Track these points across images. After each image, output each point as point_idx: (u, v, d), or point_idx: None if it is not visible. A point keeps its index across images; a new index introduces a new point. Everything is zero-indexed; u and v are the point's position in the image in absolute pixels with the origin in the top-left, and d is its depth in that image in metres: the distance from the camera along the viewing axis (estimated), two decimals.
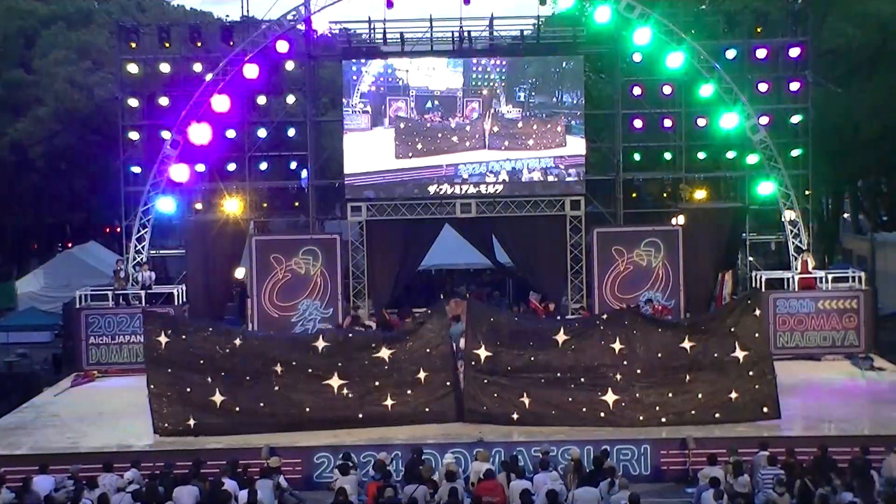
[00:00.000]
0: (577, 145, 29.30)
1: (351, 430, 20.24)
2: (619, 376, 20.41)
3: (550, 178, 29.23)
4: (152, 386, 20.37)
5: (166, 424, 20.31)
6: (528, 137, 29.27)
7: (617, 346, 20.48)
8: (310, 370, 20.55)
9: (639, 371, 20.42)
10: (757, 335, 20.48)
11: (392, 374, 20.65)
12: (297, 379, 20.50)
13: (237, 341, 20.78)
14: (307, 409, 20.44)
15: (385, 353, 20.66)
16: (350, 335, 22.27)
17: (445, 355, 20.81)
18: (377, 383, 20.60)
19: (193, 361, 20.40)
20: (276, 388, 20.44)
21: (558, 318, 26.13)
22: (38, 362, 31.03)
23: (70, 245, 44.68)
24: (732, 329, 20.41)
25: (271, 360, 20.56)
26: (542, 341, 20.80)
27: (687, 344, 20.42)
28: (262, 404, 20.46)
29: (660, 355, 20.48)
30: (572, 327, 21.21)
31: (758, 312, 20.72)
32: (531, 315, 26.64)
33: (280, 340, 22.23)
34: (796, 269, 28.30)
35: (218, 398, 20.34)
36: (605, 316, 22.20)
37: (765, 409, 20.25)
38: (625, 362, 20.46)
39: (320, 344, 20.86)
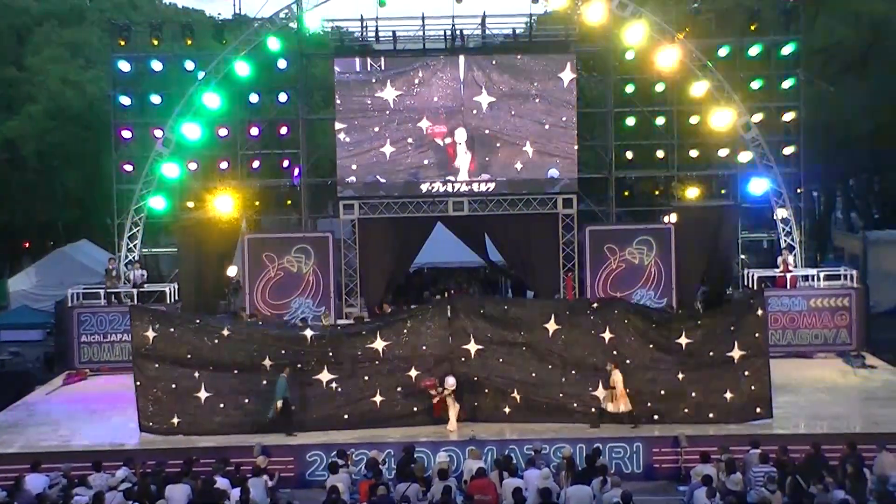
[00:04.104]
0: (569, 136, 28.92)
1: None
2: (608, 367, 20.31)
3: (543, 176, 29.18)
4: (138, 382, 20.30)
5: (151, 423, 20.27)
6: (515, 129, 28.65)
7: (607, 335, 20.42)
8: (298, 365, 20.39)
9: (628, 362, 20.35)
10: (757, 335, 20.40)
11: (384, 368, 20.53)
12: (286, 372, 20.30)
13: (225, 332, 20.70)
14: (293, 406, 20.27)
15: (380, 344, 20.50)
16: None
17: (440, 358, 20.62)
18: (367, 377, 20.49)
19: (181, 355, 20.31)
20: (264, 382, 20.31)
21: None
22: (30, 360, 30.96)
23: (62, 243, 44.42)
24: (732, 328, 20.37)
25: (260, 353, 20.40)
26: (533, 329, 20.64)
27: (683, 340, 20.34)
28: (247, 400, 20.35)
29: (652, 346, 20.41)
30: (563, 316, 20.82)
31: (760, 313, 20.66)
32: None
33: (269, 331, 21.57)
34: (778, 268, 28.37)
35: (203, 394, 20.29)
36: (595, 305, 21.78)
37: (758, 410, 20.26)
38: (615, 352, 20.39)
39: (309, 333, 20.81)
